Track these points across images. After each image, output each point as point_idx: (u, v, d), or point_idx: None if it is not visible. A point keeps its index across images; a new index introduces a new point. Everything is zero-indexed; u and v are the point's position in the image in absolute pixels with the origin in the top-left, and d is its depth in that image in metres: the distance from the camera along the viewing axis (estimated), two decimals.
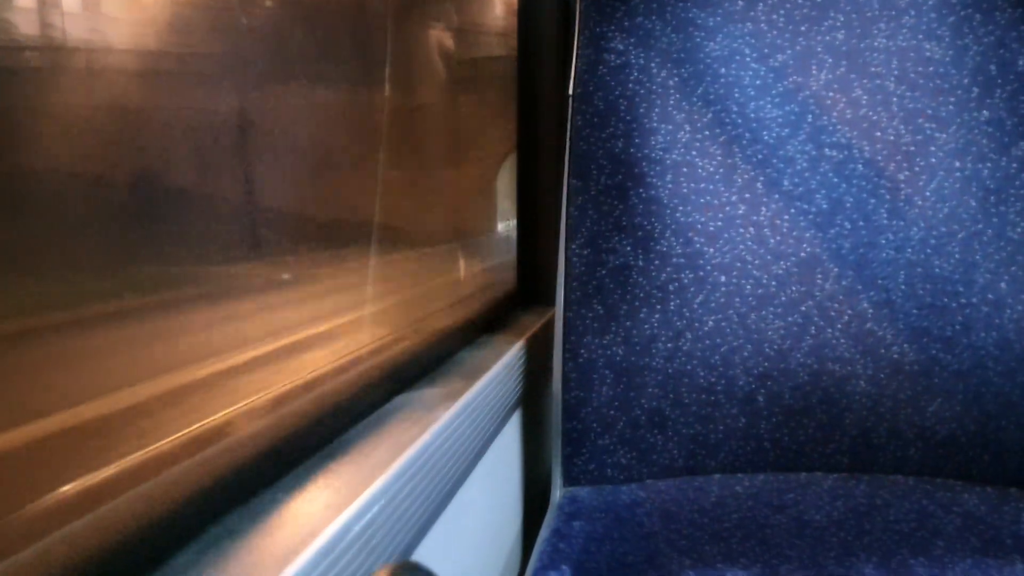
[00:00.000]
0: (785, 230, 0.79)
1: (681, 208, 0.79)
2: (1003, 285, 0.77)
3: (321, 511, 0.42)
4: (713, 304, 0.79)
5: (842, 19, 0.79)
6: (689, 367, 0.79)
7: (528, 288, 1.02)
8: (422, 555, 0.53)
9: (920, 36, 0.78)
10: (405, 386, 0.65)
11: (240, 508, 0.43)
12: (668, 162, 0.79)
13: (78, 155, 0.37)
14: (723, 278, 0.79)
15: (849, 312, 0.78)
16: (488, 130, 1.05)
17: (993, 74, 0.78)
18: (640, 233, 0.79)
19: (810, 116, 0.79)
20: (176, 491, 0.40)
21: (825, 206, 0.79)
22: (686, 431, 0.79)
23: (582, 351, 0.79)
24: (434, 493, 0.55)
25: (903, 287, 0.78)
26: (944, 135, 0.78)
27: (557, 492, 0.79)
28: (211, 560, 0.37)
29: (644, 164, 0.79)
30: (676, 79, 0.79)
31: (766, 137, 0.79)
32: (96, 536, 0.35)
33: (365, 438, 0.53)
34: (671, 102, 0.79)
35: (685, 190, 0.79)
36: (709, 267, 0.79)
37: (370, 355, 0.64)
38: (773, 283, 0.79)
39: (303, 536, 0.39)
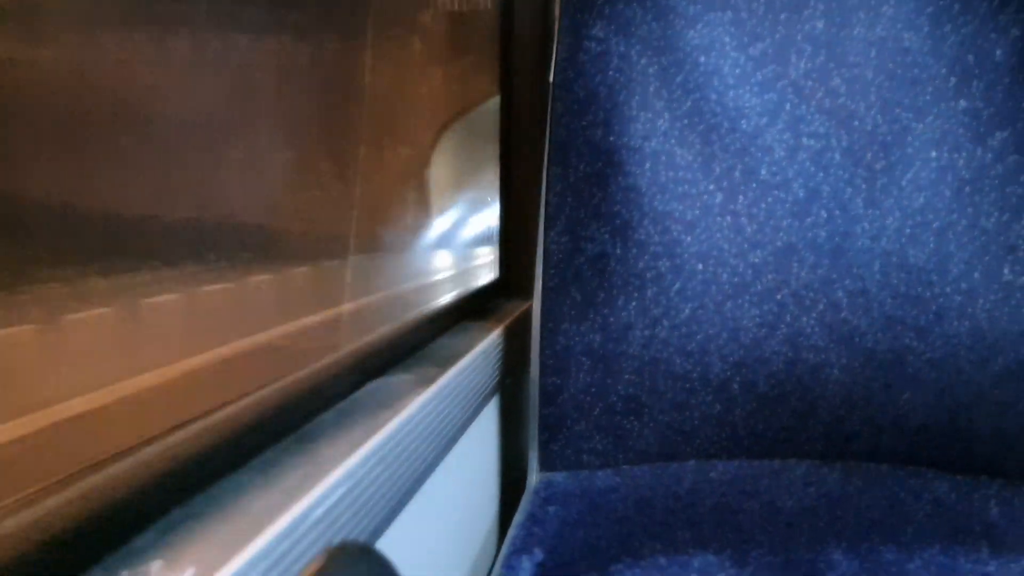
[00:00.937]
0: (762, 219, 0.79)
1: (659, 196, 0.79)
2: (976, 275, 0.77)
3: (284, 495, 0.42)
4: (690, 292, 0.79)
5: (822, 8, 0.79)
6: (665, 354, 0.79)
7: (510, 277, 1.03)
8: (391, 538, 0.54)
9: (899, 26, 0.78)
10: (379, 372, 0.66)
11: (204, 492, 0.43)
12: (647, 150, 0.79)
13: None
14: (700, 266, 0.79)
15: (824, 301, 0.79)
16: (414, 92, 0.87)
17: (971, 64, 0.78)
18: (618, 221, 0.79)
19: (788, 105, 0.79)
20: (139, 474, 0.41)
21: (802, 195, 0.79)
22: (662, 417, 0.80)
23: (559, 338, 0.80)
24: (403, 478, 0.56)
25: (878, 276, 0.79)
26: (921, 125, 0.78)
27: (533, 477, 0.80)
28: (170, 542, 0.38)
29: (623, 152, 0.79)
30: (656, 67, 0.79)
31: (744, 126, 0.79)
32: (55, 518, 0.36)
33: (334, 424, 0.53)
34: (650, 90, 0.79)
35: (663, 179, 0.79)
36: (686, 255, 0.79)
37: (343, 343, 0.64)
38: (749, 272, 0.79)
39: (264, 519, 0.39)
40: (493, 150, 1.02)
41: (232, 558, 0.36)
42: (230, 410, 0.48)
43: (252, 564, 0.36)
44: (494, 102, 1.00)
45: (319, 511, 0.43)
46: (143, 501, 0.40)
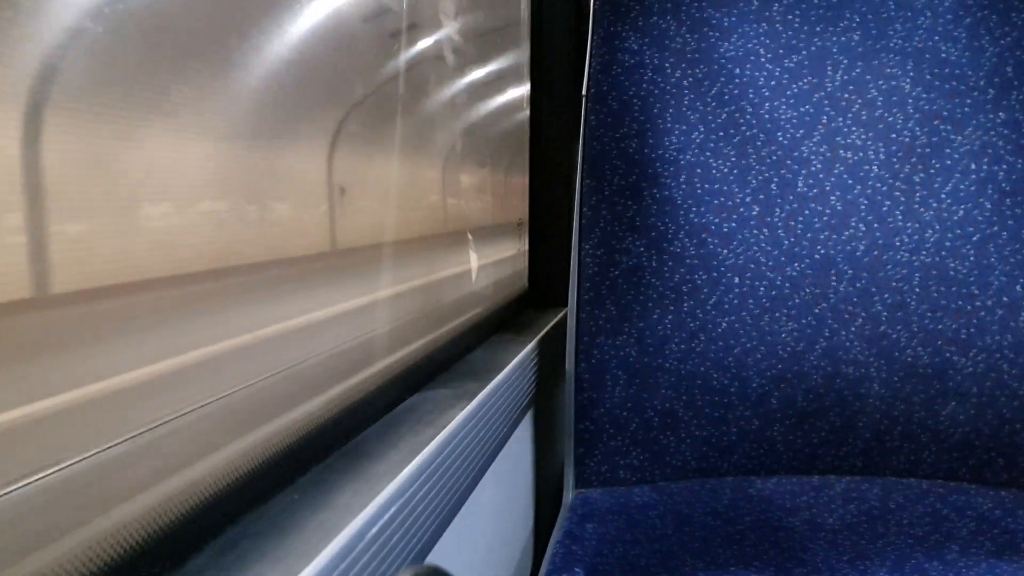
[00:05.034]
0: (799, 232, 0.78)
1: (695, 209, 0.78)
2: (1018, 287, 0.76)
3: (337, 513, 0.42)
4: (727, 305, 0.79)
5: (858, 20, 0.78)
6: (702, 369, 0.79)
7: (540, 288, 1.02)
8: (437, 557, 0.53)
9: (936, 37, 0.78)
10: (418, 387, 0.65)
11: (256, 510, 0.43)
12: (682, 162, 0.78)
13: None
14: (736, 279, 0.78)
15: (863, 314, 0.78)
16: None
17: (1009, 76, 0.77)
18: (653, 234, 0.78)
19: (825, 117, 0.79)
20: (193, 493, 0.40)
21: (840, 208, 0.78)
22: (699, 433, 0.79)
23: (595, 352, 0.79)
24: (449, 494, 0.55)
25: (917, 289, 0.78)
26: (960, 137, 0.77)
27: (569, 494, 0.79)
28: (228, 562, 0.37)
29: (658, 164, 0.78)
30: (690, 79, 0.79)
31: (780, 138, 0.79)
32: (114, 537, 0.35)
33: (380, 440, 0.53)
34: (685, 102, 0.79)
35: (699, 191, 0.79)
36: (723, 268, 0.78)
37: (383, 357, 0.63)
38: (787, 285, 0.78)
39: (319, 538, 0.39)
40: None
41: None
42: (278, 425, 0.48)
43: None
44: None
45: (373, 529, 0.42)
46: (198, 520, 0.39)
